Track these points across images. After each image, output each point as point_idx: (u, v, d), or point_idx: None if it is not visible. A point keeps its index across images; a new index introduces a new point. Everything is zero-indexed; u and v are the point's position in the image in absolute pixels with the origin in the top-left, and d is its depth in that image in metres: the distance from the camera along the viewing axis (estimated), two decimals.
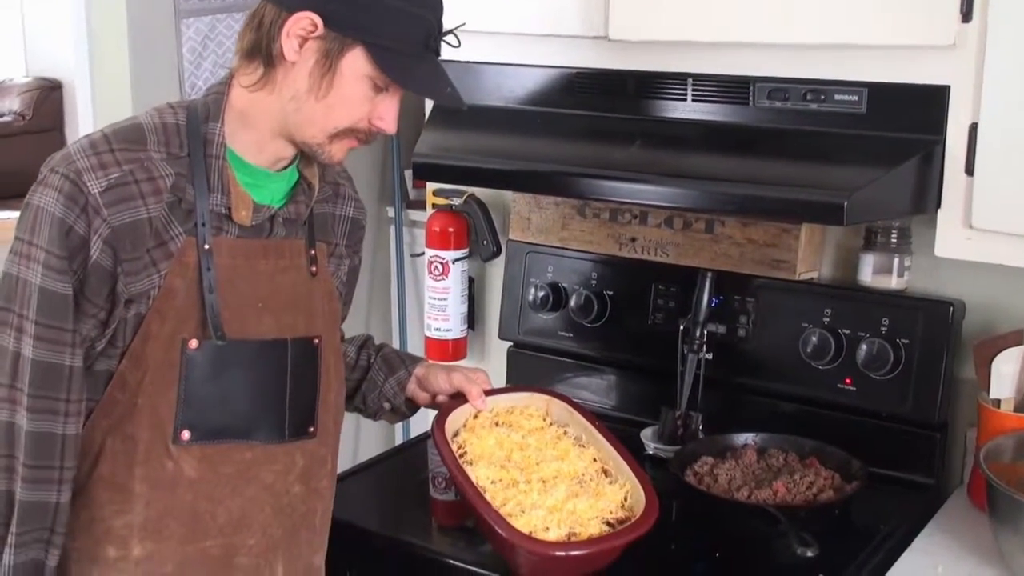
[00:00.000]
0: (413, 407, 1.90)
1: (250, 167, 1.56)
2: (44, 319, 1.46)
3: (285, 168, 1.60)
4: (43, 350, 1.46)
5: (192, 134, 1.53)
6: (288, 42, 1.47)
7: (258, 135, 1.55)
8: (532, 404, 1.90)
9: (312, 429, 1.64)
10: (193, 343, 1.51)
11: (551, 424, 1.87)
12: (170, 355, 1.51)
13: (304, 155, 1.60)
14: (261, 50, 1.51)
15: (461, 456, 1.75)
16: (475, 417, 1.84)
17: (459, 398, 1.84)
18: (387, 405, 1.89)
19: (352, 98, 1.50)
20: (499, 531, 1.60)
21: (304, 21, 1.46)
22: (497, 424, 1.84)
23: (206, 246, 1.51)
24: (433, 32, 1.50)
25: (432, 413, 1.86)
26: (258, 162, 1.56)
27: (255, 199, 1.56)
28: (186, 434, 1.52)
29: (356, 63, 1.48)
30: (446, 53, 1.55)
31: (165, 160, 1.50)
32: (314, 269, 1.65)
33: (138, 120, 1.54)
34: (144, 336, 1.50)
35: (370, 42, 1.47)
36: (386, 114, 1.53)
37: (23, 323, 1.47)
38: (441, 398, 1.85)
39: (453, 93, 1.54)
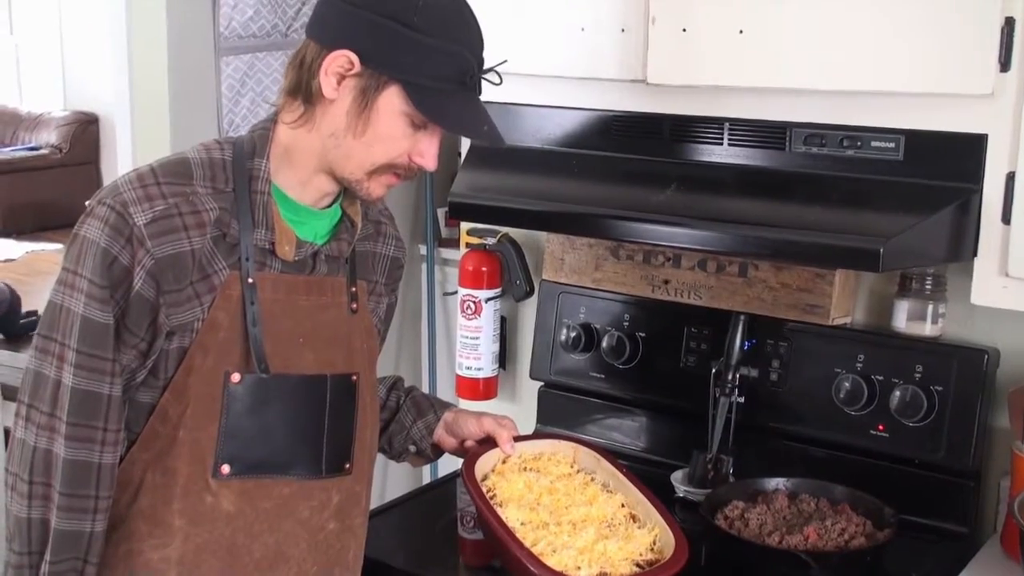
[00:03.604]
0: (438, 452, 1.90)
1: (294, 204, 1.58)
2: (85, 348, 1.48)
3: (329, 206, 1.62)
4: (83, 378, 1.48)
5: (238, 170, 1.55)
6: (326, 79, 1.49)
7: (301, 171, 1.56)
8: (559, 451, 1.90)
9: (348, 466, 1.65)
10: (235, 376, 1.53)
11: (578, 471, 1.87)
12: (212, 388, 1.52)
13: (347, 193, 1.62)
14: (302, 87, 1.53)
15: (491, 498, 1.75)
16: (503, 462, 1.85)
17: (486, 444, 1.85)
18: (413, 448, 1.89)
19: (390, 135, 1.51)
20: (532, 569, 1.60)
21: (341, 59, 1.48)
22: (525, 470, 1.85)
23: (250, 280, 1.53)
24: (470, 69, 1.50)
25: (454, 459, 1.87)
26: (302, 199, 1.58)
27: (298, 235, 1.57)
28: (226, 468, 1.54)
29: (392, 101, 1.49)
30: (487, 93, 1.56)
31: (210, 195, 1.53)
32: (354, 306, 1.66)
33: (185, 155, 1.56)
34: (187, 369, 1.51)
35: (406, 80, 1.48)
36: (426, 151, 1.53)
37: (64, 351, 1.49)
38: (469, 443, 1.85)
39: (491, 131, 1.54)
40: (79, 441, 1.49)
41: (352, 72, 1.49)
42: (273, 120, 1.58)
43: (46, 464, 1.50)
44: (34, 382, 1.51)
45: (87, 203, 1.53)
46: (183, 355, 1.51)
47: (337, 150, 1.53)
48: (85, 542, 1.51)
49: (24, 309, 4.16)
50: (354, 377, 1.65)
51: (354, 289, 1.66)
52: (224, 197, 1.53)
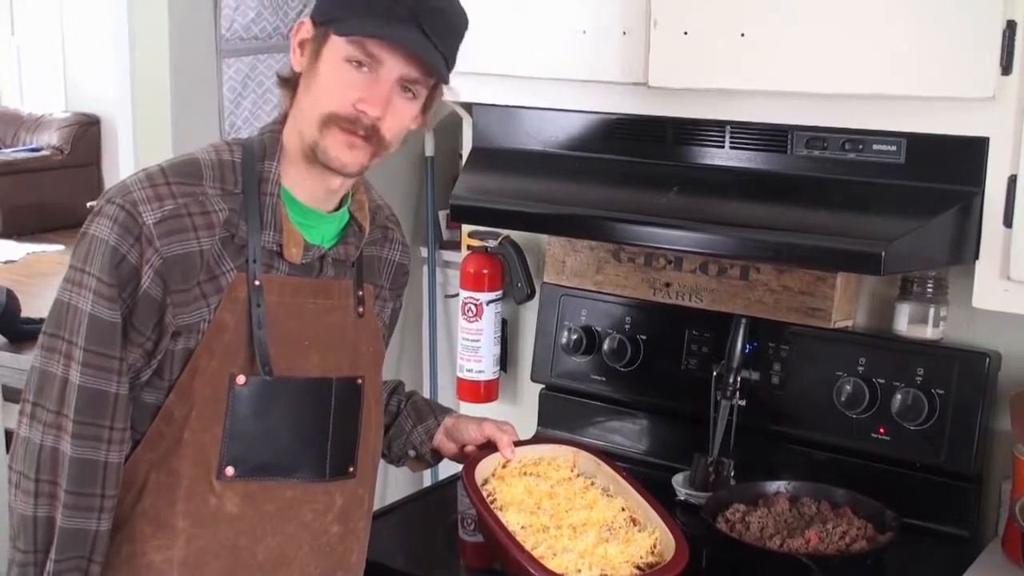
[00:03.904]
0: (437, 457, 1.91)
1: (303, 207, 1.58)
2: (92, 346, 1.48)
3: (336, 209, 1.62)
4: (90, 377, 1.48)
5: (247, 171, 1.56)
6: (294, 54, 1.55)
7: (296, 162, 1.57)
8: (559, 456, 1.90)
9: (352, 469, 1.65)
10: (241, 379, 1.53)
11: (578, 475, 1.88)
12: (217, 390, 1.52)
13: (355, 196, 1.63)
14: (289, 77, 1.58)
15: (491, 502, 1.76)
16: (503, 467, 1.85)
17: (487, 449, 1.85)
18: (412, 453, 1.89)
19: (332, 81, 1.50)
20: (533, 572, 1.60)
21: (300, 29, 1.54)
22: (525, 474, 1.85)
23: (256, 282, 1.53)
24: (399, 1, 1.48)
25: (454, 465, 1.87)
26: (310, 202, 1.58)
27: (306, 238, 1.58)
28: (230, 470, 1.54)
29: (333, 49, 1.50)
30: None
31: (219, 196, 1.53)
32: (361, 310, 1.66)
33: (195, 156, 1.57)
34: (192, 371, 1.52)
35: (338, 19, 1.49)
36: (369, 97, 1.50)
37: (72, 349, 1.49)
38: (469, 449, 1.86)
39: (420, 48, 1.48)
40: (86, 439, 1.49)
41: (309, 37, 1.53)
42: (281, 122, 1.59)
43: (53, 462, 1.50)
44: (40, 380, 1.52)
45: (93, 203, 1.54)
46: (188, 356, 1.52)
47: (301, 119, 1.54)
48: (90, 541, 1.51)
49: (23, 308, 4.18)
50: (359, 380, 1.65)
51: (361, 293, 1.67)
52: (233, 198, 1.54)
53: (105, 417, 1.49)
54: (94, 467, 1.49)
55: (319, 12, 1.53)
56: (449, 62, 1.54)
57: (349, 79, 1.50)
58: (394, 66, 1.50)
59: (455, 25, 1.54)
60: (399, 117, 1.54)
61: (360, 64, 1.49)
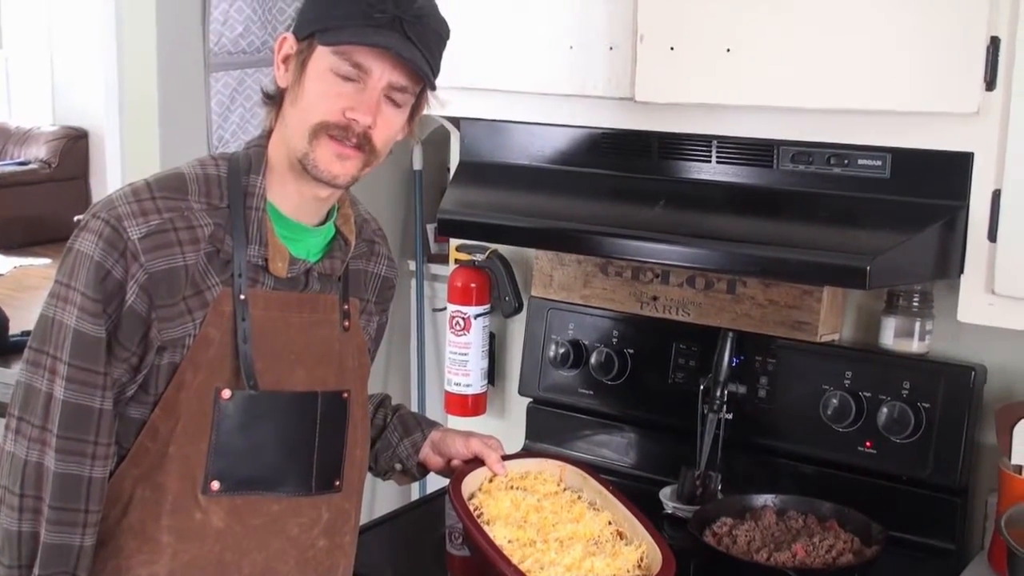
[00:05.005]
0: (424, 470, 1.90)
1: (288, 221, 1.58)
2: (76, 361, 1.48)
3: (322, 223, 1.62)
4: (74, 392, 1.48)
5: (233, 186, 1.56)
6: (279, 71, 1.55)
7: (284, 176, 1.57)
8: (546, 470, 1.91)
9: (338, 483, 1.65)
10: (226, 393, 1.53)
11: (565, 489, 1.88)
12: (203, 405, 1.52)
13: (341, 210, 1.63)
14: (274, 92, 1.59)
15: (478, 516, 1.76)
16: (490, 481, 1.85)
17: (474, 463, 1.85)
18: (399, 466, 1.89)
19: (320, 92, 1.51)
20: None
21: (284, 44, 1.54)
22: (512, 488, 1.85)
23: (242, 296, 1.53)
24: (375, 6, 1.47)
25: (441, 479, 1.88)
26: (296, 216, 1.59)
27: (292, 252, 1.58)
28: (216, 484, 1.54)
29: (318, 60, 1.51)
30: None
31: (205, 210, 1.53)
32: (347, 324, 1.66)
33: (181, 170, 1.57)
34: (178, 385, 1.51)
35: (319, 30, 1.50)
36: (358, 105, 1.50)
37: (56, 364, 1.49)
38: (456, 463, 1.86)
39: (396, 43, 1.48)
40: (70, 454, 1.49)
41: (292, 52, 1.54)
42: (266, 137, 1.60)
43: (37, 477, 1.50)
44: (25, 395, 1.51)
45: (79, 217, 1.53)
46: (174, 371, 1.52)
47: (289, 133, 1.55)
48: (74, 556, 1.50)
49: (11, 322, 4.16)
50: (345, 394, 1.65)
51: (346, 307, 1.67)
52: (219, 213, 1.54)
53: (89, 432, 1.49)
54: (78, 482, 1.49)
55: (301, 26, 1.53)
56: (434, 68, 1.55)
57: (337, 89, 1.50)
58: (382, 74, 1.51)
59: (437, 32, 1.55)
60: (389, 125, 1.55)
61: (348, 74, 1.50)
